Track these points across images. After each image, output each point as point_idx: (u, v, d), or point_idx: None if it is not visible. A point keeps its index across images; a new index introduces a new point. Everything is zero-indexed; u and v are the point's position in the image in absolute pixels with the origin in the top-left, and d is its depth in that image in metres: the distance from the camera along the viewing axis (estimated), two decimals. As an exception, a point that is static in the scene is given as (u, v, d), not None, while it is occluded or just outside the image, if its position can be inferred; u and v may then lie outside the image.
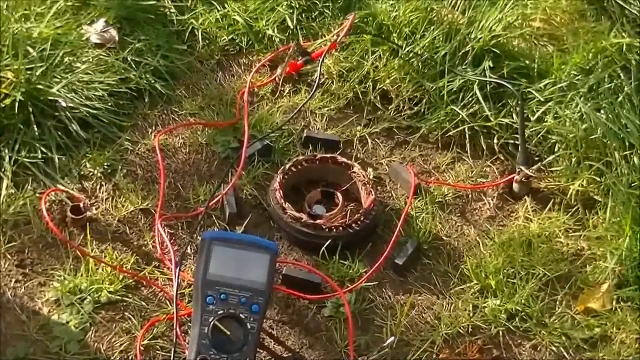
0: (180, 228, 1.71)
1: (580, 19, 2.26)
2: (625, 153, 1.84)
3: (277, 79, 2.03)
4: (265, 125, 1.91)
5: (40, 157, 1.76)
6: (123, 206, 1.73)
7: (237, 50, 2.13)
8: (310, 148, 1.89)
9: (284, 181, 1.76)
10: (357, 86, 2.03)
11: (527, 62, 2.06)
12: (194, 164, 1.84)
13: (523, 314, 1.64)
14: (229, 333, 1.38)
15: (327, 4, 2.19)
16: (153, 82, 1.98)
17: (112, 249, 1.65)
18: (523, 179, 1.84)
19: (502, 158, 1.94)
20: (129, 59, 1.99)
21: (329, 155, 1.83)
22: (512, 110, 1.97)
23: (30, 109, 1.79)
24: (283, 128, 1.91)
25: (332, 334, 1.58)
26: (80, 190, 1.74)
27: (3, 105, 1.78)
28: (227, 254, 1.39)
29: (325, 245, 1.67)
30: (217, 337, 1.38)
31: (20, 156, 1.75)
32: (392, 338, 1.56)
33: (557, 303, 1.67)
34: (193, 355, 1.37)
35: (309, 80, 2.05)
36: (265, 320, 1.49)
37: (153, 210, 1.72)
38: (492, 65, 2.02)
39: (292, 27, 2.14)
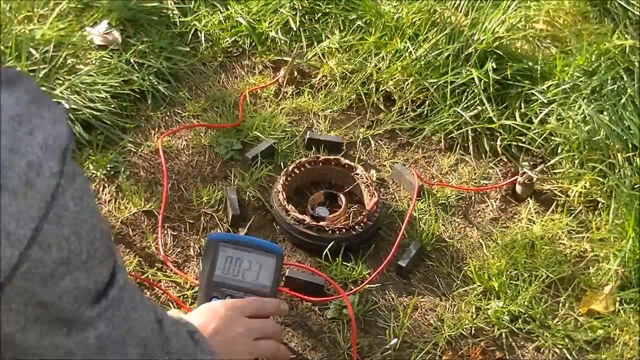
0: (183, 230, 1.72)
1: (583, 20, 2.26)
2: (628, 154, 1.84)
3: (279, 80, 2.04)
4: (269, 127, 1.91)
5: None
6: (126, 208, 1.73)
7: (240, 52, 2.13)
8: (313, 149, 1.89)
9: (287, 183, 1.76)
10: (359, 88, 2.03)
11: (530, 63, 2.05)
12: (197, 166, 1.84)
13: (526, 315, 1.64)
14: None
15: (330, 6, 2.19)
16: (156, 83, 1.98)
17: (115, 250, 1.65)
18: (526, 181, 1.84)
19: (505, 160, 1.94)
20: (132, 61, 1.99)
21: (331, 157, 1.83)
22: (515, 111, 1.97)
23: (33, 111, 1.79)
24: (286, 130, 1.91)
25: (334, 336, 1.58)
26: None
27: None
28: (233, 255, 1.39)
29: (328, 247, 1.67)
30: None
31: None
32: (395, 340, 1.56)
33: (560, 305, 1.67)
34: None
35: (312, 82, 2.05)
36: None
37: (156, 212, 1.72)
38: (495, 67, 2.02)
39: (295, 29, 2.15)
